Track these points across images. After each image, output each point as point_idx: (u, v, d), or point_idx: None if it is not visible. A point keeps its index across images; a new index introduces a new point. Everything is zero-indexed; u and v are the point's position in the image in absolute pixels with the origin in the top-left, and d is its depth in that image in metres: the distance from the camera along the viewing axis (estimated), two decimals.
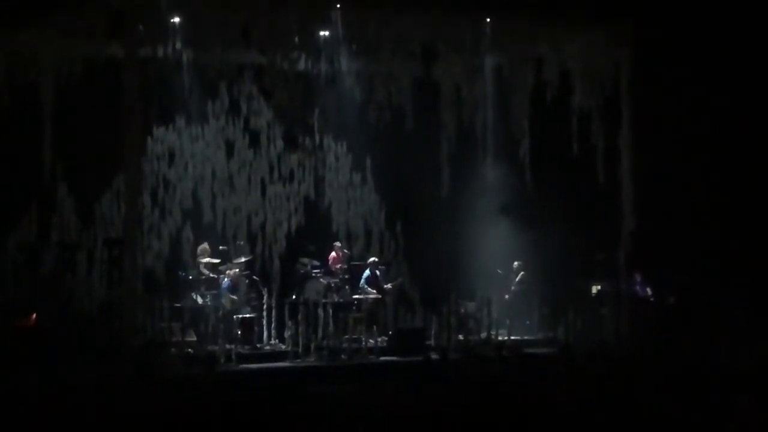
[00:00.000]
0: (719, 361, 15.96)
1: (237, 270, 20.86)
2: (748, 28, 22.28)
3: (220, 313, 19.63)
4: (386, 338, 20.73)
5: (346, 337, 20.16)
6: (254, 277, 21.10)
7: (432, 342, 20.62)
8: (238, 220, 22.31)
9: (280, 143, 22.52)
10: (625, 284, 21.70)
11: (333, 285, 21.25)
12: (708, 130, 22.78)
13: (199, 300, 20.36)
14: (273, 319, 20.18)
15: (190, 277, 20.68)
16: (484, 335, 21.16)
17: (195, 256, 21.12)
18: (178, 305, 20.13)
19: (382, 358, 19.69)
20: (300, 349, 19.38)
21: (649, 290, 22.24)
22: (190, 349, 18.78)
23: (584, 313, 21.88)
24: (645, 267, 21.99)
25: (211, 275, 20.66)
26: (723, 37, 22.45)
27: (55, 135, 19.33)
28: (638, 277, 22.16)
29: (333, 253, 21.91)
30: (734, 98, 22.54)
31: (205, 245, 21.12)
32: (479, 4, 20.46)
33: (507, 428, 12.87)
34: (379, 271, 21.93)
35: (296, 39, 19.73)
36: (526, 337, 21.81)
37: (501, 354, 19.43)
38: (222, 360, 18.26)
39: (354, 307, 21.21)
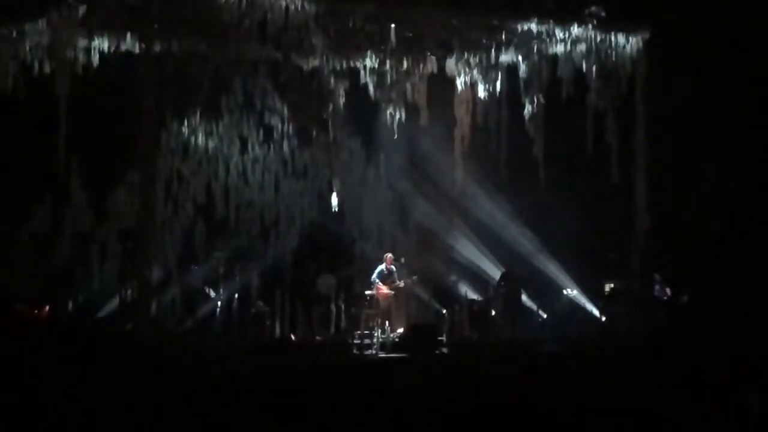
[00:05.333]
0: (732, 360, 15.94)
1: None
2: (763, 28, 22.27)
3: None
4: (399, 334, 20.74)
5: (358, 332, 20.18)
6: None
7: (444, 338, 20.64)
8: (251, 215, 22.36)
9: (294, 139, 22.55)
10: (641, 284, 21.66)
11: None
12: (723, 129, 22.75)
13: (212, 294, 20.42)
14: (286, 314, 20.23)
15: (203, 271, 20.75)
16: (495, 332, 21.19)
17: (208, 250, 21.19)
18: (192, 298, 20.20)
19: (394, 354, 19.70)
20: (313, 344, 19.42)
21: (668, 290, 22.23)
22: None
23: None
24: (658, 266, 21.98)
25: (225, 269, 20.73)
26: (738, 36, 22.43)
27: (70, 128, 19.34)
28: (657, 278, 22.14)
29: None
30: (749, 97, 22.51)
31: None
32: (494, 3, 20.45)
33: (517, 425, 12.87)
34: (394, 266, 21.94)
35: (311, 34, 19.72)
36: (537, 336, 21.81)
37: (512, 351, 19.48)
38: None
39: (366, 303, 21.23)
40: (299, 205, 22.97)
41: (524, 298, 22.76)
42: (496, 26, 20.92)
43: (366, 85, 21.32)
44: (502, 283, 22.50)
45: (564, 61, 21.41)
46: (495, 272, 23.26)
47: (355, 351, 19.58)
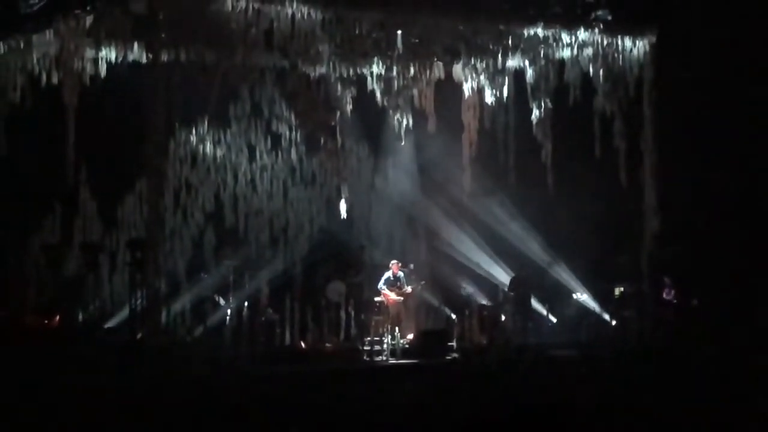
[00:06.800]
0: (742, 363, 15.92)
1: None
2: None
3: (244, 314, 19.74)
4: (409, 340, 20.75)
5: (368, 339, 20.18)
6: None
7: (454, 344, 20.64)
8: (260, 223, 22.39)
9: (302, 146, 22.57)
10: (651, 287, 21.62)
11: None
12: (731, 131, 22.71)
13: (222, 302, 20.43)
14: (295, 321, 20.24)
15: (213, 279, 20.78)
16: (505, 337, 21.18)
17: (218, 258, 21.21)
18: (201, 307, 20.23)
19: (405, 360, 19.70)
20: (323, 351, 19.44)
21: (673, 293, 22.20)
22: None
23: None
24: (667, 269, 21.94)
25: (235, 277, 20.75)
26: (744, 38, 22.40)
27: (78, 138, 19.41)
28: (667, 281, 22.10)
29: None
30: (757, 99, 22.47)
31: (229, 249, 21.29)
32: (501, 8, 20.46)
33: (528, 430, 12.85)
34: (402, 273, 21.92)
35: (318, 42, 19.75)
36: (547, 340, 21.78)
37: (522, 356, 19.45)
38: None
39: (376, 309, 21.23)
40: (308, 213, 22.98)
41: (534, 302, 22.74)
42: (503, 31, 20.93)
43: (373, 91, 21.35)
44: (512, 288, 22.48)
45: (571, 65, 21.41)
46: (504, 277, 23.25)
47: (365, 357, 19.59)
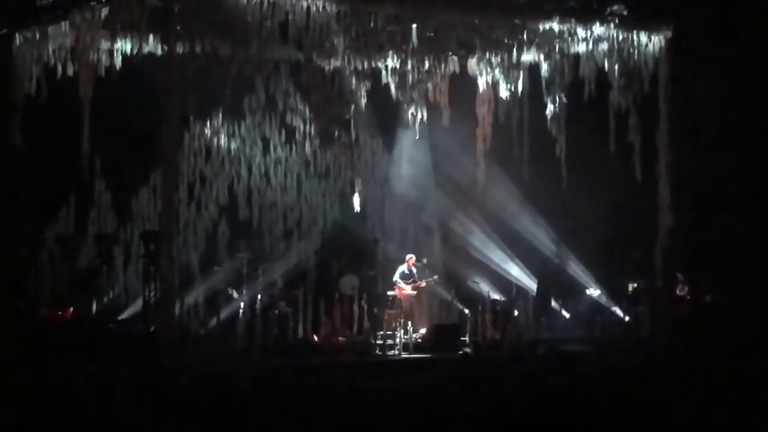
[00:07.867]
0: (755, 359, 15.86)
1: None
2: None
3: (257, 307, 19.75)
4: (421, 334, 20.74)
5: (381, 333, 20.18)
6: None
7: (467, 338, 20.62)
8: (273, 216, 22.41)
9: (316, 139, 22.58)
10: (664, 283, 21.58)
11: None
12: (746, 127, 22.63)
13: (235, 294, 20.46)
14: (309, 314, 20.24)
15: (226, 272, 20.81)
16: (518, 332, 21.16)
17: (231, 251, 21.23)
18: (214, 299, 20.26)
19: (417, 354, 19.69)
20: (335, 345, 19.44)
21: (686, 289, 22.18)
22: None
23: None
24: (682, 265, 21.90)
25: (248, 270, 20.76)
26: (761, 33, 22.32)
27: (93, 130, 19.45)
28: (680, 277, 22.06)
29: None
30: None
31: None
32: (516, 2, 20.42)
33: (540, 426, 12.83)
34: (415, 267, 21.92)
35: (333, 35, 19.74)
36: (561, 336, 21.78)
37: (535, 351, 19.44)
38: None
39: (389, 303, 21.24)
40: (321, 206, 22.99)
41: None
42: (518, 26, 20.88)
43: (388, 85, 21.33)
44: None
45: (586, 60, 21.35)
46: (517, 271, 23.22)
47: (377, 351, 19.59)
